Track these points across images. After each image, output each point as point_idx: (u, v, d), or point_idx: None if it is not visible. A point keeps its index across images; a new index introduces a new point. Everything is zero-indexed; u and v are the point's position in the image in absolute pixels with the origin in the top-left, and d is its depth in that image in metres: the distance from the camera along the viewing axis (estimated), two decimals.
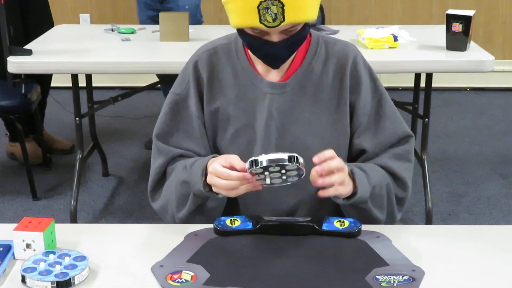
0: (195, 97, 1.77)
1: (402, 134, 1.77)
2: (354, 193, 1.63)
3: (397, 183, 1.75)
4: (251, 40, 1.66)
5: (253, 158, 1.51)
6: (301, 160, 1.51)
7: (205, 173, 1.63)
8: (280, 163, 1.49)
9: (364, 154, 1.77)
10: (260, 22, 1.58)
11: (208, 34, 3.34)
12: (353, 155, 1.80)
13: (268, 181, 1.53)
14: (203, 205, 1.70)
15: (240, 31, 1.67)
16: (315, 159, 1.53)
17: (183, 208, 1.71)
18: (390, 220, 1.75)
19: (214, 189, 1.60)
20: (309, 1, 1.60)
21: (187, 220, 1.71)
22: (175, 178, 1.72)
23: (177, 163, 1.75)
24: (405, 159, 1.77)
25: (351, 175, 1.62)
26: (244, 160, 1.54)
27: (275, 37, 1.63)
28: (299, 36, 1.66)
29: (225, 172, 1.55)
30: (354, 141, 1.77)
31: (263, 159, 1.49)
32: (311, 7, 1.62)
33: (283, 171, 1.52)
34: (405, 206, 1.79)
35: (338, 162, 1.55)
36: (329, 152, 1.55)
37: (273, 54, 1.67)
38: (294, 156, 1.50)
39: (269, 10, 1.56)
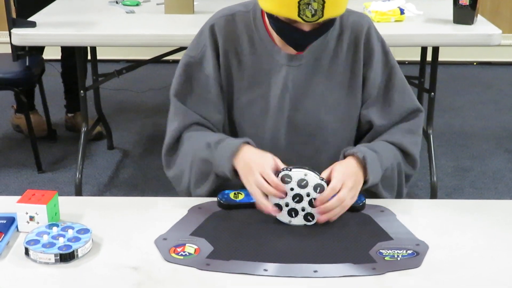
0: (213, 59, 1.74)
1: (411, 107, 1.78)
2: (365, 181, 1.62)
3: (407, 160, 1.77)
4: (281, 26, 1.63)
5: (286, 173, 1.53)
6: (324, 185, 1.52)
7: (233, 158, 1.61)
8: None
9: (372, 127, 1.77)
10: (299, 16, 1.56)
11: (213, 6, 3.31)
12: (361, 129, 1.80)
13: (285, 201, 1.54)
14: (223, 183, 1.69)
15: (270, 15, 1.63)
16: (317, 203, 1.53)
17: (202, 185, 1.71)
18: (398, 197, 1.76)
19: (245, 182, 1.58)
20: None
21: (204, 195, 1.71)
22: (195, 154, 1.70)
23: (195, 133, 1.74)
24: (415, 133, 1.78)
25: (363, 162, 1.61)
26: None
27: (307, 27, 1.61)
28: (329, 25, 1.65)
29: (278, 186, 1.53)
30: (362, 112, 1.77)
31: (291, 186, 1.52)
32: (347, 0, 1.61)
33: (295, 211, 1.54)
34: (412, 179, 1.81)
35: (334, 201, 1.53)
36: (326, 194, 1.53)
37: (301, 41, 1.65)
38: (319, 185, 1.52)
39: (309, 6, 1.54)
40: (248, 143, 1.65)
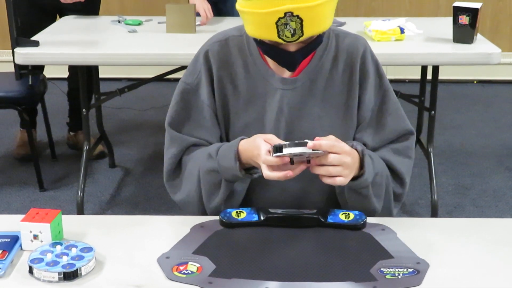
0: (207, 86, 1.76)
1: (402, 130, 1.78)
2: (360, 175, 1.63)
3: (394, 177, 1.76)
4: (267, 48, 1.65)
5: (277, 145, 1.52)
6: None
7: (238, 157, 1.63)
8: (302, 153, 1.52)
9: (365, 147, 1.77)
10: (279, 37, 1.57)
11: (214, 26, 3.35)
12: None
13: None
14: (232, 189, 1.71)
15: (255, 39, 1.65)
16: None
17: (215, 196, 1.71)
18: (386, 214, 1.76)
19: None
20: (327, 12, 1.58)
21: (220, 208, 1.71)
22: (199, 169, 1.71)
23: (193, 153, 1.75)
24: (404, 154, 1.77)
25: (361, 155, 1.63)
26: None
27: (292, 47, 1.62)
28: (315, 43, 1.65)
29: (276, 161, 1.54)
30: (355, 135, 1.78)
31: (287, 151, 1.51)
32: (328, 16, 1.60)
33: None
34: (403, 202, 1.82)
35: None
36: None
37: (289, 61, 1.66)
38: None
39: (287, 26, 1.54)
40: (242, 139, 1.67)
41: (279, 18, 1.53)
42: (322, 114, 1.75)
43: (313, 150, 1.51)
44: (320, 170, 1.56)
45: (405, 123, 1.79)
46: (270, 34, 1.57)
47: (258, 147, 1.58)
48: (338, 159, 1.55)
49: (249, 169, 1.66)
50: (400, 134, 1.78)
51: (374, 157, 1.70)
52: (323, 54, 1.74)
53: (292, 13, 1.52)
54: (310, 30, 1.57)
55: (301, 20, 1.54)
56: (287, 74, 1.73)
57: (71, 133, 4.08)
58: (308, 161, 1.56)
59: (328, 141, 1.55)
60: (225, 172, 1.66)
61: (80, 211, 3.26)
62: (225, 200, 1.70)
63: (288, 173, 1.54)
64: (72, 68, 3.86)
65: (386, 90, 1.78)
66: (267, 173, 1.56)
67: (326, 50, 1.74)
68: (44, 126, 3.91)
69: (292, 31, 1.55)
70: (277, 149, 1.52)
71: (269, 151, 1.55)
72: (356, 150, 1.64)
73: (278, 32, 1.56)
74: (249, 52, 1.75)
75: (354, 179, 1.63)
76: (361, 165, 1.64)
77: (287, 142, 1.52)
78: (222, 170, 1.66)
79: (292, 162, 1.54)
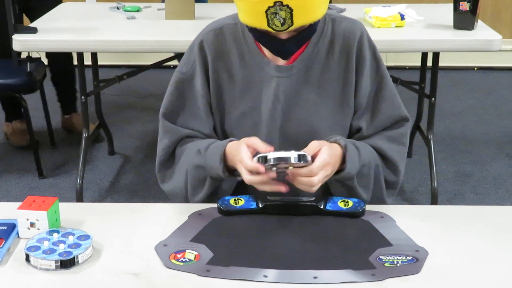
0: (201, 76, 1.75)
1: (397, 117, 1.77)
2: (342, 169, 1.63)
3: (387, 166, 1.76)
4: (259, 36, 1.64)
5: (262, 154, 1.52)
6: (308, 157, 1.52)
7: (223, 158, 1.63)
8: (287, 162, 1.50)
9: (359, 133, 1.77)
10: (268, 26, 1.56)
11: (214, 12, 3.32)
12: (351, 137, 1.79)
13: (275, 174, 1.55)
14: (218, 186, 1.71)
15: (247, 26, 1.64)
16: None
17: (200, 192, 1.71)
18: (379, 204, 1.74)
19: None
20: (318, 2, 1.57)
21: (202, 202, 1.71)
22: (188, 162, 1.71)
23: (186, 145, 1.75)
24: (398, 142, 1.77)
25: (344, 150, 1.62)
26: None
27: (283, 35, 1.61)
28: (308, 32, 1.64)
29: (255, 168, 1.53)
30: (352, 122, 1.77)
31: (271, 156, 1.50)
32: (320, 6, 1.58)
33: (291, 167, 1.53)
34: (398, 190, 1.81)
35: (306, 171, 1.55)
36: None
37: (282, 50, 1.65)
38: (301, 155, 1.50)
39: (277, 15, 1.53)
40: (232, 141, 1.66)
41: (269, 7, 1.52)
42: (319, 101, 1.74)
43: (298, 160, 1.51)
44: (301, 186, 1.56)
45: (400, 110, 1.78)
46: (260, 23, 1.56)
47: (240, 152, 1.57)
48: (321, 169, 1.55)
49: (235, 170, 1.65)
50: (395, 120, 1.77)
51: (362, 147, 1.69)
52: (318, 40, 1.73)
53: (281, 2, 1.51)
54: (300, 20, 1.55)
55: (291, 10, 1.53)
56: (282, 61, 1.72)
57: (66, 116, 4.08)
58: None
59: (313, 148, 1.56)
60: (211, 171, 1.66)
61: (80, 198, 3.26)
62: (208, 196, 1.71)
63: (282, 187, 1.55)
64: (50, 54, 3.86)
65: (383, 76, 1.76)
66: (247, 177, 1.54)
67: (322, 36, 1.73)
68: (42, 114, 3.90)
69: (282, 21, 1.54)
70: (262, 159, 1.51)
71: (251, 157, 1.54)
72: (339, 144, 1.63)
73: (268, 21, 1.55)
74: (244, 40, 1.74)
75: (336, 172, 1.62)
76: (344, 160, 1.63)
77: (271, 153, 1.51)
78: (208, 168, 1.66)
79: (277, 173, 1.54)
